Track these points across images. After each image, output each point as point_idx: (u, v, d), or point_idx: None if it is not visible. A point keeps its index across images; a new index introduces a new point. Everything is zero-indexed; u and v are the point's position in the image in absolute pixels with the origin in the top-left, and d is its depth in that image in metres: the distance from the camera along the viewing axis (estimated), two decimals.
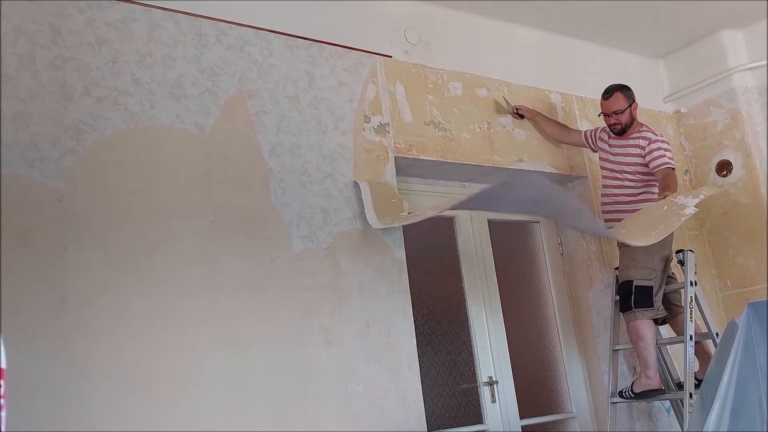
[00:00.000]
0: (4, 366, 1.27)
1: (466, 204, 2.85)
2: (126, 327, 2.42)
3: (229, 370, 2.58)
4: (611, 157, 3.67)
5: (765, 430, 2.15)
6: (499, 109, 3.85)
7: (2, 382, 1.25)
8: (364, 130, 3.27)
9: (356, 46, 3.38)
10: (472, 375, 3.55)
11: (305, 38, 3.22)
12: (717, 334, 3.35)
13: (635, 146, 3.55)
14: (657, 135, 3.56)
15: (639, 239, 2.97)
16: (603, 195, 3.73)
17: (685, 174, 4.63)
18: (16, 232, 2.32)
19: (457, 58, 3.77)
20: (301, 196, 2.96)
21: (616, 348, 3.66)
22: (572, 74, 4.28)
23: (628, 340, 3.54)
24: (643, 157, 3.52)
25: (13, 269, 2.27)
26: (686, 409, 3.20)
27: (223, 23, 3.00)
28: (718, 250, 4.48)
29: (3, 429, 1.25)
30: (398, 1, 3.66)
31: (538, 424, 3.73)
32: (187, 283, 2.58)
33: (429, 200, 3.66)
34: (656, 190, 3.60)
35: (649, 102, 4.58)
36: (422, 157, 3.43)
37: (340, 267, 2.96)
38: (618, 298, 3.56)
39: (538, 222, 4.09)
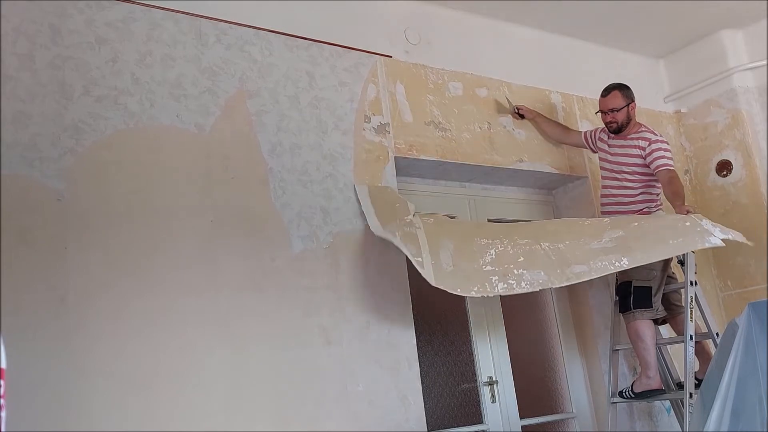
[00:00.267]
0: (4, 366, 1.27)
1: None
2: (126, 327, 2.42)
3: (229, 370, 2.57)
4: (610, 158, 3.66)
5: (765, 430, 2.15)
6: (500, 109, 3.84)
7: (2, 382, 1.25)
8: (364, 130, 3.27)
9: (356, 46, 3.38)
10: (472, 375, 3.55)
11: (305, 38, 3.22)
12: (717, 334, 3.34)
13: (635, 146, 3.55)
14: (657, 135, 3.56)
15: (654, 251, 3.01)
16: (602, 195, 3.73)
17: (686, 174, 4.63)
18: (16, 232, 2.32)
19: (457, 58, 3.77)
20: (301, 195, 2.96)
21: (617, 348, 3.66)
22: (572, 74, 4.27)
23: (628, 340, 3.54)
24: (644, 158, 3.52)
25: (13, 269, 2.27)
26: (686, 409, 3.19)
27: (223, 23, 2.99)
28: (718, 250, 4.45)
29: (3, 429, 1.25)
30: (398, 1, 3.66)
31: (538, 424, 3.73)
32: (187, 283, 2.58)
33: (429, 200, 3.66)
34: (656, 190, 3.61)
35: (649, 102, 4.58)
36: (422, 157, 3.43)
37: (340, 267, 2.96)
38: (618, 298, 3.56)
39: None
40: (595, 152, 3.86)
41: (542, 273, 2.86)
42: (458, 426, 3.41)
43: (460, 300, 3.61)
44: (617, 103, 3.59)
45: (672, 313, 3.58)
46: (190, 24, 2.91)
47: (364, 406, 2.83)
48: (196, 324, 2.56)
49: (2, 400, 1.25)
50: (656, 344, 3.45)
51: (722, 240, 3.11)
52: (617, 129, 3.63)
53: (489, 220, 3.83)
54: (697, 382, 3.24)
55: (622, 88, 3.62)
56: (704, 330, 3.50)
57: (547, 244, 2.99)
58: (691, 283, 3.37)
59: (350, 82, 3.30)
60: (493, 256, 2.89)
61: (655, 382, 3.38)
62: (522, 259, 2.90)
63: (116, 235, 2.50)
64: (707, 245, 3.10)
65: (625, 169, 3.59)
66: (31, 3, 2.57)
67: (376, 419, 2.83)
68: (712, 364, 2.49)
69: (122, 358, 2.39)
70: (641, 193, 3.58)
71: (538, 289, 2.87)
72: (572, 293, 4.05)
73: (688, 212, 3.27)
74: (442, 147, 3.52)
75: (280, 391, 2.66)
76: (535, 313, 4.00)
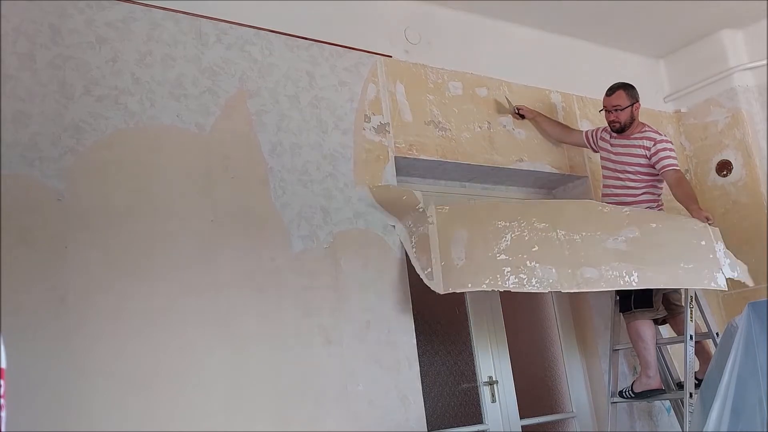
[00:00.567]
0: (4, 366, 1.27)
1: None
2: (126, 327, 2.42)
3: (229, 370, 2.57)
4: (613, 157, 3.66)
5: (765, 429, 2.15)
6: (500, 109, 3.84)
7: (2, 382, 1.25)
8: (364, 129, 3.27)
9: (356, 45, 3.38)
10: (472, 375, 3.55)
11: (305, 38, 3.22)
12: (717, 334, 3.35)
13: (639, 146, 3.55)
14: (661, 135, 3.57)
15: (663, 274, 3.07)
16: (604, 195, 3.72)
17: (686, 174, 4.62)
18: (16, 232, 2.32)
19: (457, 58, 3.77)
20: (301, 195, 2.96)
21: (617, 348, 3.66)
22: (572, 74, 4.27)
23: (628, 339, 3.54)
24: (648, 158, 3.52)
25: (13, 269, 2.27)
26: (686, 409, 3.19)
27: (223, 23, 2.99)
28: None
29: (3, 429, 1.25)
30: (398, 1, 3.66)
31: (538, 424, 3.73)
32: (187, 283, 2.58)
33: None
34: (658, 190, 3.61)
35: (650, 102, 4.57)
36: (422, 156, 3.43)
37: (340, 267, 2.96)
38: (618, 298, 3.56)
39: None
40: (596, 152, 3.86)
41: (553, 271, 2.88)
42: (458, 426, 3.40)
43: (461, 300, 3.61)
44: (622, 102, 3.59)
45: (672, 313, 3.58)
46: (191, 24, 2.91)
47: (364, 406, 2.83)
48: (196, 324, 2.55)
49: (2, 400, 1.25)
50: (656, 344, 3.45)
51: (726, 278, 3.17)
52: (620, 128, 3.63)
53: None
54: (697, 382, 3.24)
55: (627, 88, 3.63)
56: (704, 330, 3.50)
57: (563, 233, 3.01)
58: None
59: (350, 81, 3.30)
60: (508, 243, 2.91)
61: (655, 382, 3.39)
62: (536, 248, 2.91)
63: (116, 235, 2.49)
64: (713, 286, 3.15)
65: (628, 168, 3.59)
66: (31, 3, 2.57)
67: (376, 419, 2.83)
68: (712, 364, 2.49)
69: (122, 358, 2.39)
70: (644, 193, 3.58)
71: (547, 291, 2.88)
72: (572, 293, 4.04)
73: (707, 219, 3.32)
74: (442, 147, 3.52)
75: (280, 391, 2.66)
76: (535, 313, 4.00)
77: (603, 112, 3.70)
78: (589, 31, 4.30)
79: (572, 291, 2.95)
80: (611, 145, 3.70)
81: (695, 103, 4.67)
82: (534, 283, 2.85)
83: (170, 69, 2.80)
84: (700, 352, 3.53)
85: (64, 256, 2.38)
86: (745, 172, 4.38)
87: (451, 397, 3.46)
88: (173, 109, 2.76)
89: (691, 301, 3.33)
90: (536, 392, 3.87)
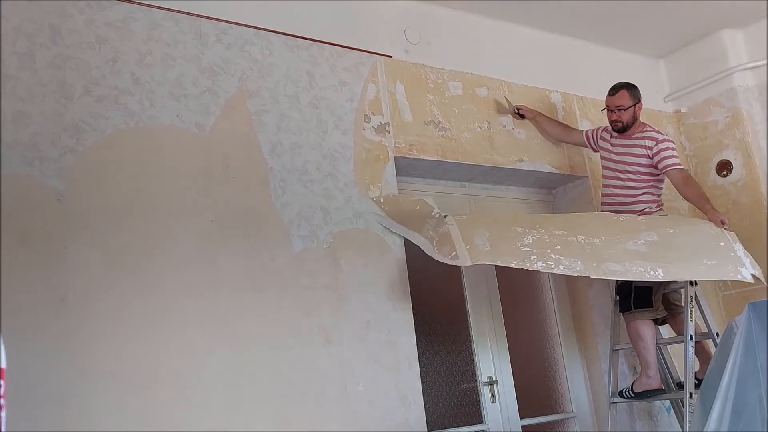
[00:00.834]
0: (4, 366, 1.27)
1: None
2: (126, 327, 2.42)
3: (229, 370, 2.57)
4: (614, 156, 3.66)
5: (766, 429, 2.15)
6: (500, 109, 3.84)
7: (2, 382, 1.25)
8: (364, 129, 3.27)
9: (356, 45, 3.38)
10: (472, 375, 3.55)
11: (305, 38, 3.22)
12: (717, 334, 3.35)
13: (641, 146, 3.55)
14: (663, 135, 3.58)
15: (689, 270, 3.08)
16: (603, 195, 3.72)
17: None
18: (16, 232, 2.31)
19: (457, 58, 3.77)
20: (301, 195, 2.96)
21: (617, 348, 3.66)
22: (572, 74, 4.27)
23: (628, 339, 3.54)
24: (650, 158, 3.52)
25: (13, 269, 2.27)
26: (686, 409, 3.19)
27: (223, 23, 2.99)
28: None
29: (3, 429, 1.25)
30: (398, 1, 3.66)
31: (538, 424, 3.73)
32: (187, 283, 2.58)
33: None
34: (658, 191, 3.61)
35: (650, 102, 4.56)
36: (422, 156, 3.43)
37: (340, 267, 2.96)
38: (618, 298, 3.56)
39: None
40: (597, 151, 3.86)
41: (579, 262, 2.90)
42: (458, 426, 3.40)
43: (461, 300, 3.62)
44: (624, 102, 3.59)
45: (672, 313, 3.58)
46: (190, 24, 2.91)
47: (364, 406, 2.83)
48: (196, 324, 2.55)
49: (2, 400, 1.25)
50: (656, 344, 3.45)
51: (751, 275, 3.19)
52: (622, 128, 3.63)
53: None
54: (697, 382, 3.24)
55: (630, 88, 3.63)
56: (704, 330, 3.50)
57: (582, 238, 3.01)
58: (691, 283, 3.37)
59: (350, 81, 3.30)
60: (531, 241, 2.91)
61: (655, 382, 3.39)
62: (559, 247, 2.93)
63: (116, 235, 2.49)
64: (739, 278, 3.18)
65: (629, 168, 3.59)
66: (31, 3, 2.57)
67: (376, 419, 2.83)
68: (712, 364, 2.49)
69: (122, 358, 2.38)
70: (644, 194, 3.58)
71: (575, 275, 2.90)
72: (572, 293, 4.05)
73: (722, 223, 3.34)
74: (442, 147, 3.52)
75: (280, 391, 2.66)
76: (535, 313, 4.00)
77: (605, 112, 3.70)
78: (589, 31, 4.30)
79: (600, 278, 2.94)
80: (612, 144, 3.70)
81: (695, 103, 4.67)
82: (562, 268, 2.86)
83: (170, 69, 2.80)
84: (700, 352, 3.53)
85: (64, 256, 2.38)
86: (745, 172, 4.38)
87: (451, 397, 3.46)
88: (173, 109, 2.76)
89: (691, 301, 3.33)
90: (536, 392, 3.87)
